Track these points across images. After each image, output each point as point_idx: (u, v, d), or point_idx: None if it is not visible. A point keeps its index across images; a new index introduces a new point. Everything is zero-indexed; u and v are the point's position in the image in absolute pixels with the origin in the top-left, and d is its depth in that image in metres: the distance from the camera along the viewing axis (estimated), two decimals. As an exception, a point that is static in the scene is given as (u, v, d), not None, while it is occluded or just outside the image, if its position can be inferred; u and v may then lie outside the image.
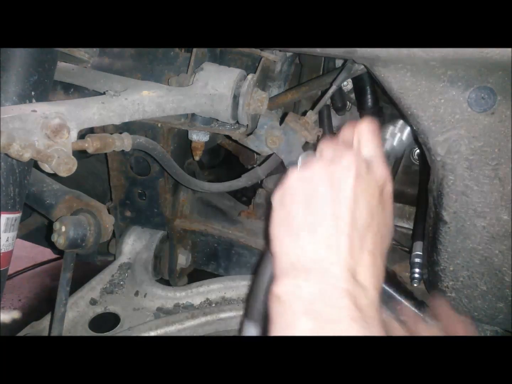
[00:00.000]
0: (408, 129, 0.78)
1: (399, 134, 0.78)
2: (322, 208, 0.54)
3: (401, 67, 0.75)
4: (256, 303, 0.62)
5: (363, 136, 0.60)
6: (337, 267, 0.51)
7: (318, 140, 1.01)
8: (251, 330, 0.63)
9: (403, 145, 0.76)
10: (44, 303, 2.20)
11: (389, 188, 0.58)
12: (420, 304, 0.95)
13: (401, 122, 0.78)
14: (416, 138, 0.82)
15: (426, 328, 0.66)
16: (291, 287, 0.51)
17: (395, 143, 0.75)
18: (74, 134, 0.67)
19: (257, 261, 0.61)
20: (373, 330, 0.49)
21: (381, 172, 0.57)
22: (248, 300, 0.64)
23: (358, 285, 0.51)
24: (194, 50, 0.94)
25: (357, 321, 0.48)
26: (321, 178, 0.55)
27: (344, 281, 0.50)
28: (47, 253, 2.46)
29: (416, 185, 1.21)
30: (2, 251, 0.72)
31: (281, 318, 0.51)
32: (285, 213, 0.57)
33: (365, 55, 0.76)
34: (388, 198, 0.58)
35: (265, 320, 0.62)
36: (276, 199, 0.59)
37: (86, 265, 1.44)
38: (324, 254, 0.52)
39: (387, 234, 0.57)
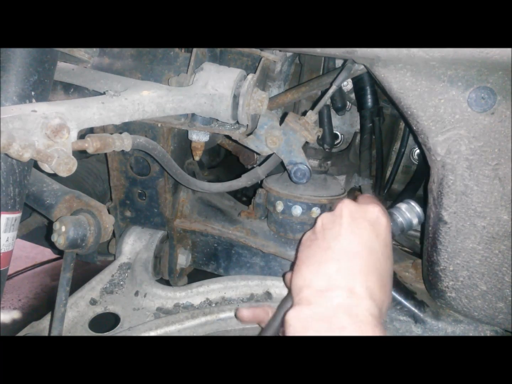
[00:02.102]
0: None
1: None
2: (318, 247, 0.69)
3: (401, 67, 0.75)
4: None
5: (360, 196, 0.79)
6: (332, 290, 0.63)
7: (318, 139, 1.01)
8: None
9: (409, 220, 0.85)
10: (44, 303, 2.20)
11: (382, 220, 0.71)
12: (420, 304, 0.95)
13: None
14: (416, 138, 0.82)
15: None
16: (295, 313, 0.63)
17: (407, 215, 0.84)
18: (74, 134, 0.67)
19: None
20: (364, 333, 0.58)
21: (372, 209, 0.72)
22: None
23: (352, 298, 0.61)
24: (194, 50, 0.93)
25: (346, 328, 0.58)
26: (320, 225, 0.73)
27: (338, 298, 0.62)
28: (47, 253, 2.47)
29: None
30: (2, 251, 0.72)
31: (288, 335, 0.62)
32: (296, 259, 0.73)
33: (365, 55, 0.76)
34: (382, 228, 0.71)
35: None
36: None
37: (86, 265, 1.44)
38: (320, 281, 0.65)
39: (382, 257, 0.68)
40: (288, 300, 0.72)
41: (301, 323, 0.61)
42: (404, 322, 0.94)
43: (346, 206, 0.72)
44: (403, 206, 0.84)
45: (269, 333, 0.73)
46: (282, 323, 0.68)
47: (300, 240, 0.77)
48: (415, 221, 0.83)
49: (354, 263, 0.65)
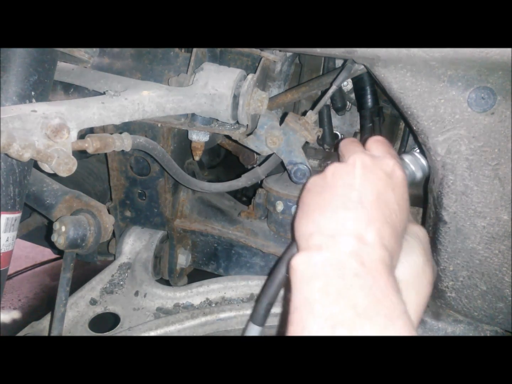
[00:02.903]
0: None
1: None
2: (331, 194, 0.65)
3: (401, 67, 0.75)
4: (260, 308, 0.70)
5: (371, 143, 0.73)
6: (344, 236, 0.59)
7: (318, 139, 1.01)
8: (253, 331, 0.70)
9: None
10: (44, 303, 2.20)
11: (398, 174, 0.67)
12: (420, 304, 0.95)
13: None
14: (416, 138, 0.82)
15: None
16: (304, 258, 0.59)
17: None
18: (74, 134, 0.67)
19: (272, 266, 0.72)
20: (377, 281, 0.56)
21: (387, 162, 0.67)
22: (256, 303, 0.72)
23: (364, 246, 0.58)
24: (194, 50, 0.93)
25: (360, 276, 0.55)
26: (331, 173, 0.67)
27: (350, 245, 0.58)
28: (47, 253, 2.47)
29: (416, 185, 1.21)
30: (2, 251, 0.72)
31: (295, 284, 0.58)
32: (302, 205, 0.68)
33: (365, 55, 0.76)
34: (398, 181, 0.67)
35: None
36: (299, 200, 0.70)
37: (86, 265, 1.44)
38: (333, 227, 0.61)
39: (398, 209, 0.65)
40: (292, 250, 0.68)
41: (311, 269, 0.57)
42: (404, 322, 0.94)
43: (359, 157, 0.67)
44: (407, 157, 0.79)
45: (274, 286, 0.68)
46: (287, 272, 0.62)
47: (304, 186, 0.71)
48: (419, 174, 0.78)
49: (369, 212, 0.62)
